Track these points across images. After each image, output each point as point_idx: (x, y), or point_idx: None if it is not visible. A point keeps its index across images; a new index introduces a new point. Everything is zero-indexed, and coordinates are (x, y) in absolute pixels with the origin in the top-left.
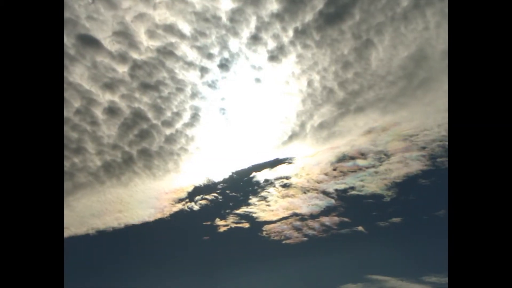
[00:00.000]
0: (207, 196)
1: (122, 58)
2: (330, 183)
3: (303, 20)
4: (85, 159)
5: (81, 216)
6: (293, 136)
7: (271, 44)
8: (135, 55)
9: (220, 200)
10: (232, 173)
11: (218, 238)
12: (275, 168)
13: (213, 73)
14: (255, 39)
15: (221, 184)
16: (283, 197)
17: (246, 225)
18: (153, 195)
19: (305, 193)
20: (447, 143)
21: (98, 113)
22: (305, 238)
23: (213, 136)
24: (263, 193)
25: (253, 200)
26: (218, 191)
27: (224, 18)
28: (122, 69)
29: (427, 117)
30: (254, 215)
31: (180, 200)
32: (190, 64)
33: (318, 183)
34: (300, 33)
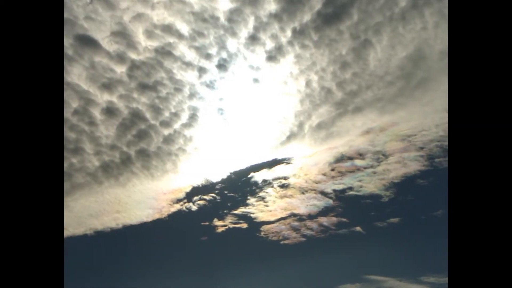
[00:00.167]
0: (205, 197)
1: (120, 58)
2: (328, 184)
3: (301, 20)
4: (83, 160)
5: (79, 217)
6: (291, 137)
7: (269, 44)
8: (133, 55)
9: (218, 200)
10: (230, 173)
11: (216, 239)
12: (273, 169)
13: (211, 73)
14: (253, 39)
15: (219, 184)
16: (281, 197)
17: (244, 225)
18: (151, 196)
19: (303, 193)
20: (445, 143)
21: (96, 113)
22: (303, 239)
23: (211, 136)
24: (261, 194)
25: (251, 200)
26: (216, 192)
27: (222, 18)
28: (120, 69)
29: (425, 117)
30: (252, 215)
31: (178, 201)
32: (188, 64)
33: (316, 183)
34: (298, 33)
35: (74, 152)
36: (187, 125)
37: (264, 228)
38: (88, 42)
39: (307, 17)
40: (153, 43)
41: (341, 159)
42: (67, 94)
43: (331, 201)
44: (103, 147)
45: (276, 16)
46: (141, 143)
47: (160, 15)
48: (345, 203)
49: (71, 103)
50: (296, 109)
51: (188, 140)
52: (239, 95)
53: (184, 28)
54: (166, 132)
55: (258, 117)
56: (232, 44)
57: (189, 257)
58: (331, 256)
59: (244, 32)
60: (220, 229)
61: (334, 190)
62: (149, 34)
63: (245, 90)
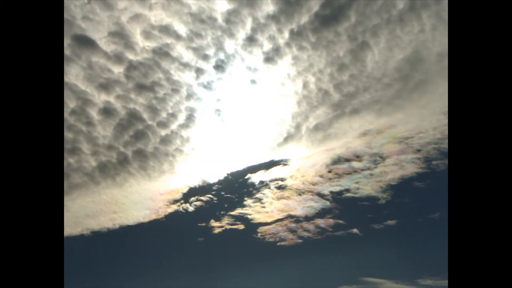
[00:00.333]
0: (202, 198)
1: (118, 58)
2: (325, 185)
3: (299, 22)
4: (80, 160)
5: (76, 217)
6: (288, 138)
7: (267, 46)
8: (130, 56)
9: (215, 201)
10: (227, 174)
11: (213, 240)
12: (270, 170)
13: (208, 74)
14: (250, 40)
15: (216, 185)
16: (278, 199)
17: (241, 226)
18: (148, 196)
19: (300, 195)
20: (442, 145)
21: (94, 113)
22: (300, 240)
23: (208, 137)
24: (258, 195)
25: (248, 201)
26: (213, 193)
27: (220, 19)
28: (118, 70)
29: (422, 119)
30: (249, 216)
31: (175, 201)
32: (185, 65)
33: (313, 185)
34: (296, 35)
35: (71, 152)
36: (184, 125)
37: (261, 229)
38: (85, 42)
39: (304, 18)
40: (151, 44)
41: (338, 160)
42: (65, 94)
43: (328, 203)
44: (100, 147)
45: (273, 18)
46: (138, 144)
47: (157, 16)
48: (342, 205)
49: (68, 103)
50: (293, 111)
51: (185, 141)
52: (237, 96)
53: (181, 29)
54: (163, 132)
55: (255, 118)
56: (229, 45)
57: (185, 258)
58: (328, 258)
59: (242, 33)
60: (217, 230)
61: (331, 192)
62: (147, 35)
63: (243, 91)
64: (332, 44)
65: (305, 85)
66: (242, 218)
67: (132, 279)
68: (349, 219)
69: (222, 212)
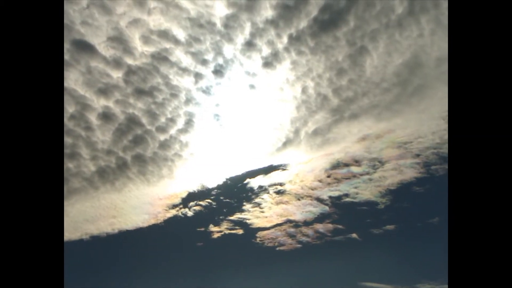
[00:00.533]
0: (201, 202)
1: (117, 63)
2: (324, 190)
3: (298, 27)
4: (79, 165)
5: (75, 221)
6: (287, 143)
7: (266, 51)
8: (129, 61)
9: (214, 206)
10: (226, 179)
11: (212, 245)
12: (269, 175)
13: (207, 79)
14: (249, 45)
15: (215, 190)
16: (277, 203)
17: (240, 231)
18: (147, 201)
19: (299, 199)
20: (441, 150)
21: (93, 118)
22: (299, 245)
23: (207, 142)
24: (257, 200)
25: (247, 206)
26: (212, 197)
27: (219, 24)
28: (117, 75)
29: (421, 124)
30: (248, 221)
31: (174, 206)
32: (184, 70)
33: (312, 190)
34: (295, 40)
35: (70, 157)
36: (183, 130)
37: (260, 234)
38: (84, 47)
39: (303, 23)
40: (150, 49)
41: (337, 165)
42: (64, 99)
43: (327, 208)
44: (99, 152)
45: (272, 22)
46: (137, 149)
47: (156, 21)
48: (341, 210)
49: (67, 108)
50: (292, 116)
51: (184, 146)
52: (235, 101)
53: (180, 33)
54: (162, 137)
55: (254, 123)
56: (228, 50)
57: (184, 263)
58: (327, 262)
59: (241, 38)
60: (215, 235)
61: (330, 197)
62: (146, 40)
63: (241, 96)
64: (331, 49)
65: (304, 90)
66: (241, 223)
67: (131, 284)
68: (348, 224)
69: (221, 217)
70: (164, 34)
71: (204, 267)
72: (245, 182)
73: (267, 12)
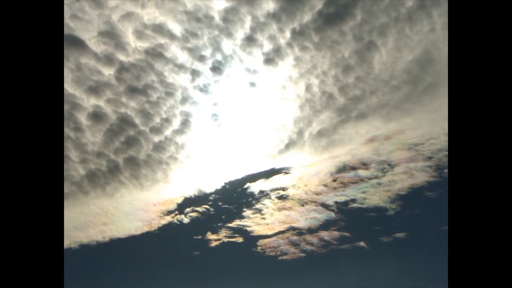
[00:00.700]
0: (198, 208)
1: (108, 60)
2: (329, 195)
3: (301, 21)
4: (67, 168)
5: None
6: (290, 145)
7: (267, 46)
8: (122, 57)
9: (212, 212)
10: (225, 183)
11: (210, 253)
12: (270, 179)
13: (205, 77)
14: (250, 40)
15: (213, 195)
16: (279, 209)
17: (240, 239)
18: (140, 207)
19: (302, 205)
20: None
21: (82, 118)
22: (303, 254)
23: (205, 143)
24: (258, 205)
25: (247, 212)
26: (209, 203)
27: (217, 18)
28: (108, 72)
29: (433, 124)
30: (248, 228)
31: (169, 212)
32: (180, 67)
33: (317, 195)
34: (298, 35)
35: None
36: (179, 131)
37: (261, 242)
38: (74, 43)
39: (307, 17)
40: (143, 44)
41: (343, 169)
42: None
43: (332, 214)
44: (89, 155)
45: (274, 16)
46: (130, 151)
47: (151, 14)
48: (348, 216)
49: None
50: (295, 115)
51: (180, 148)
52: (235, 100)
53: (176, 28)
54: (156, 139)
55: (255, 123)
56: (227, 45)
57: (180, 273)
58: (333, 273)
59: (240, 32)
60: (213, 243)
61: (336, 202)
62: (139, 35)
63: (241, 94)
64: (336, 44)
65: (308, 88)
66: (241, 231)
67: None
68: (355, 231)
69: (219, 224)
70: (159, 29)
71: (201, 277)
72: (245, 186)
73: (269, 5)
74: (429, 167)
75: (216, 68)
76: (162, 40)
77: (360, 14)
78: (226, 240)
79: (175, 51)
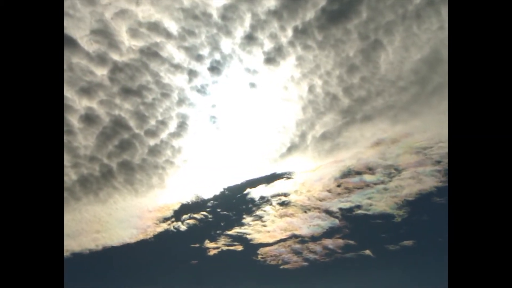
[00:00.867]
0: (195, 215)
1: (101, 59)
2: (333, 201)
3: (304, 18)
4: None
5: None
6: (292, 148)
7: (268, 45)
8: (115, 57)
9: (210, 219)
10: (224, 189)
11: (208, 262)
12: (272, 184)
13: (202, 77)
14: (250, 39)
15: (212, 201)
16: (281, 216)
17: (239, 247)
18: (135, 214)
19: (305, 212)
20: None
21: (74, 121)
22: (306, 263)
23: (203, 147)
24: (259, 212)
25: (247, 219)
26: (208, 210)
27: (216, 16)
28: (101, 72)
29: (442, 127)
30: (248, 236)
31: (165, 219)
32: (177, 67)
33: (320, 201)
34: (301, 33)
35: None
36: (176, 134)
37: (262, 251)
38: (65, 42)
39: (310, 14)
40: (138, 43)
41: (348, 173)
42: None
43: (337, 221)
44: (81, 159)
45: (275, 14)
46: (124, 155)
47: (145, 12)
48: (353, 223)
49: None
50: (297, 118)
51: (177, 152)
52: (234, 101)
53: (172, 26)
54: (152, 142)
55: (255, 126)
56: (226, 44)
57: (177, 282)
58: (337, 282)
59: (240, 31)
60: (212, 252)
61: (340, 209)
62: (134, 33)
63: (241, 95)
64: (341, 43)
65: (311, 89)
66: (241, 238)
67: None
68: (360, 239)
69: (218, 232)
70: (154, 27)
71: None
72: (245, 192)
73: (270, 2)
74: (438, 171)
75: (215, 68)
76: (158, 39)
77: (365, 12)
78: (225, 248)
79: (171, 50)
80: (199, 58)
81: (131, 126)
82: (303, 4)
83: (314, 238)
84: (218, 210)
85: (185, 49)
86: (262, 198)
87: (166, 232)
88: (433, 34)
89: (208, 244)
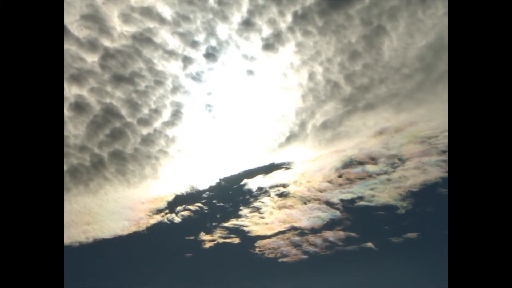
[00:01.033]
0: (190, 207)
1: (92, 46)
2: (334, 192)
3: (304, 3)
4: None
5: None
6: (291, 138)
7: (266, 31)
8: (106, 43)
9: (206, 211)
10: (220, 180)
11: (203, 255)
12: (270, 174)
13: (198, 64)
14: (247, 24)
15: (207, 192)
16: (280, 208)
17: (236, 240)
18: (127, 205)
19: (305, 203)
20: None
21: (64, 109)
22: (305, 256)
23: (198, 136)
24: (256, 204)
25: (245, 211)
26: (203, 201)
27: (211, 0)
28: (92, 59)
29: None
30: (245, 228)
31: (159, 211)
32: (171, 53)
33: (321, 192)
34: (300, 18)
35: None
36: (170, 123)
37: (260, 243)
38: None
39: None
40: (130, 29)
41: (350, 164)
42: None
43: (338, 213)
44: (71, 149)
45: None
46: (116, 144)
47: None
48: (355, 215)
49: None
50: (297, 106)
51: (171, 141)
52: (231, 89)
53: (166, 11)
54: (144, 131)
55: (253, 114)
56: (222, 30)
57: (171, 277)
58: (338, 276)
59: (237, 16)
60: (207, 245)
61: (342, 200)
62: (126, 18)
63: (238, 83)
64: (342, 29)
65: (311, 76)
66: (237, 231)
67: None
68: (362, 231)
69: (214, 224)
70: (147, 12)
71: (194, 281)
72: (242, 183)
73: None
74: (443, 161)
75: (210, 55)
76: (151, 24)
77: None
78: (221, 241)
79: (165, 36)
80: (194, 44)
81: (123, 114)
82: None
83: (314, 231)
84: (214, 201)
85: (180, 35)
86: (260, 189)
87: (160, 224)
88: (438, 20)
89: (204, 236)
